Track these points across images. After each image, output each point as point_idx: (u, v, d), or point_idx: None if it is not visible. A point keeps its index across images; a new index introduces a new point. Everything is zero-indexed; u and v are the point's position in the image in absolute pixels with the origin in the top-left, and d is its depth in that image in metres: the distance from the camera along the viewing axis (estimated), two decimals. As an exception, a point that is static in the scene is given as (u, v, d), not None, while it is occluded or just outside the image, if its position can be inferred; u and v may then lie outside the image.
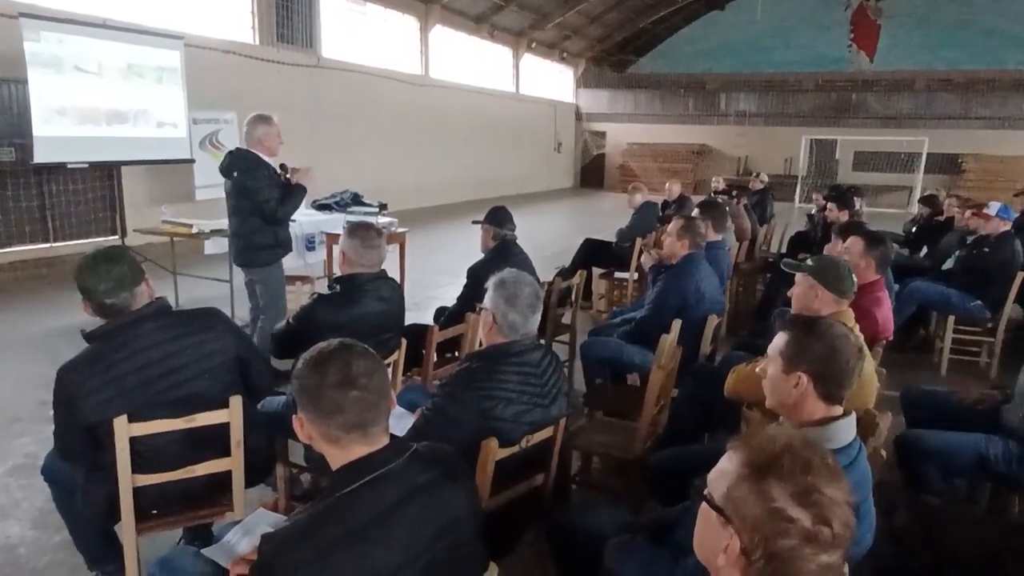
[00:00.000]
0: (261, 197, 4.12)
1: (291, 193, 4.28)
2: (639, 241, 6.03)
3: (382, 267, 3.01)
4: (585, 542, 1.92)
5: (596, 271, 6.49)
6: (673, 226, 3.85)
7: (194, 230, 5.75)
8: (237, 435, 2.23)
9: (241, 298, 5.67)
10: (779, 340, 1.71)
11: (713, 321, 3.57)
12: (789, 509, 0.98)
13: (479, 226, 4.15)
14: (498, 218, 4.06)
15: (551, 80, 23.09)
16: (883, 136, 20.50)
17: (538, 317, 2.14)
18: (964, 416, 2.87)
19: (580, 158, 25.20)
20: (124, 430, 2.04)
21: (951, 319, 5.31)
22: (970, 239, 5.84)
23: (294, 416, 1.37)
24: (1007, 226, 5.42)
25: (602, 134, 24.81)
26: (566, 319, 4.76)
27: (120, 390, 2.04)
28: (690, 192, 16.47)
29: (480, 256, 4.08)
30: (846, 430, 1.62)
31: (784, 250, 7.80)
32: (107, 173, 8.54)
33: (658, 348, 3.05)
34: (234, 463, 2.27)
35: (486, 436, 1.99)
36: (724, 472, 1.06)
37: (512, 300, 2.07)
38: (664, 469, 2.53)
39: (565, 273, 4.81)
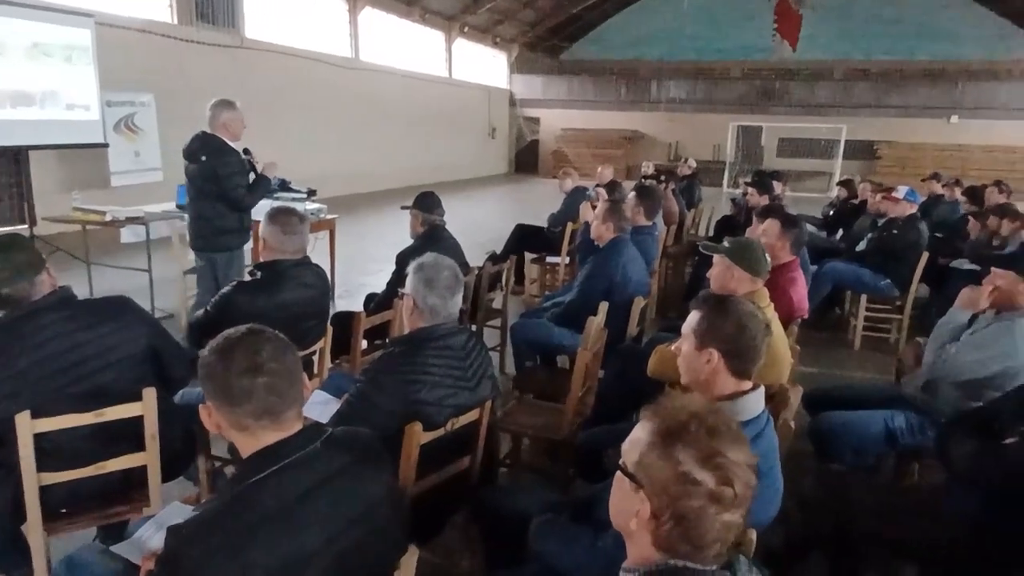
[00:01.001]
0: (231, 183, 4.12)
1: (259, 183, 4.33)
2: (570, 226, 6.09)
3: (307, 254, 2.94)
4: (512, 523, 1.94)
5: (528, 256, 6.53)
6: (599, 210, 3.90)
7: (108, 217, 5.48)
8: (151, 428, 2.15)
9: (162, 288, 5.47)
10: (692, 319, 1.76)
11: (639, 303, 3.64)
12: (695, 472, 1.04)
13: (408, 212, 4.11)
14: (427, 204, 4.02)
15: (485, 65, 22.99)
16: (805, 123, 21.28)
17: (459, 300, 2.14)
18: (866, 400, 3.01)
19: (515, 144, 25.24)
20: (27, 426, 1.95)
21: (863, 298, 5.59)
22: (881, 222, 6.14)
23: (201, 405, 1.33)
24: (913, 209, 5.72)
25: (536, 120, 24.88)
26: (497, 303, 4.78)
27: (21, 384, 1.94)
28: (622, 177, 16.76)
29: (409, 243, 4.04)
30: (755, 403, 1.69)
31: (711, 233, 8.02)
32: (12, 158, 8.04)
33: (585, 330, 3.10)
34: (149, 457, 2.19)
35: (410, 420, 1.98)
36: (636, 441, 1.11)
37: (431, 284, 2.07)
38: (590, 448, 2.57)
39: (496, 258, 4.82)
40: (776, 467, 1.72)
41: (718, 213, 8.87)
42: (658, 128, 23.64)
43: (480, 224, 10.80)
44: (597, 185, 6.31)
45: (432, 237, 3.90)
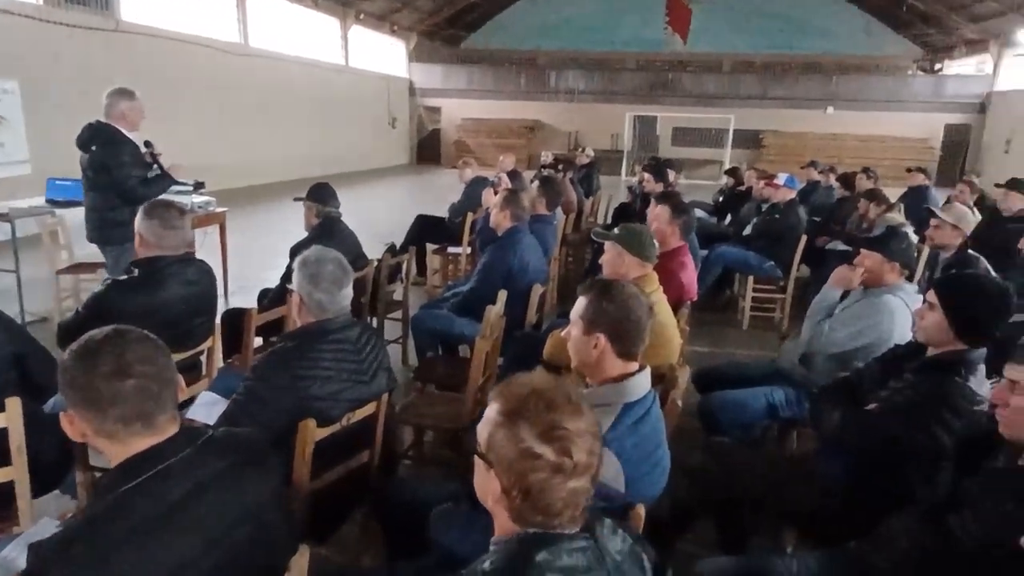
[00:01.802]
0: (122, 174, 3.97)
1: (160, 178, 4.19)
2: (470, 216, 6.09)
3: (194, 249, 2.80)
4: (413, 514, 1.93)
5: (430, 247, 6.49)
6: (497, 199, 3.92)
7: (-38, 215, 5.01)
8: (17, 440, 2.00)
9: (33, 290, 5.07)
10: (579, 305, 1.80)
11: (538, 290, 3.70)
12: (536, 447, 1.08)
13: (302, 204, 3.99)
14: (321, 195, 3.92)
15: (383, 53, 22.55)
16: (697, 113, 22.18)
17: (348, 292, 2.10)
18: (749, 378, 3.19)
19: (416, 134, 24.92)
20: None
21: (750, 279, 5.90)
22: (764, 207, 6.50)
23: (62, 413, 1.24)
24: (793, 194, 6.09)
25: (437, 110, 24.68)
26: (398, 295, 4.73)
27: None
28: (524, 167, 16.92)
29: (303, 235, 3.93)
30: (641, 384, 1.75)
31: (610, 221, 8.23)
32: None
33: (484, 319, 3.12)
34: (16, 472, 2.03)
35: (303, 417, 1.94)
36: (486, 421, 1.15)
37: (316, 279, 2.02)
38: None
39: (395, 250, 4.76)
40: (663, 444, 1.80)
41: (616, 201, 9.10)
42: (558, 118, 23.99)
43: (381, 216, 10.63)
44: (498, 174, 6.33)
45: (326, 229, 3.81)
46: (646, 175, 7.18)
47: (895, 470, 2.05)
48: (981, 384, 2.06)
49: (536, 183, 5.19)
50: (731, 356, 5.15)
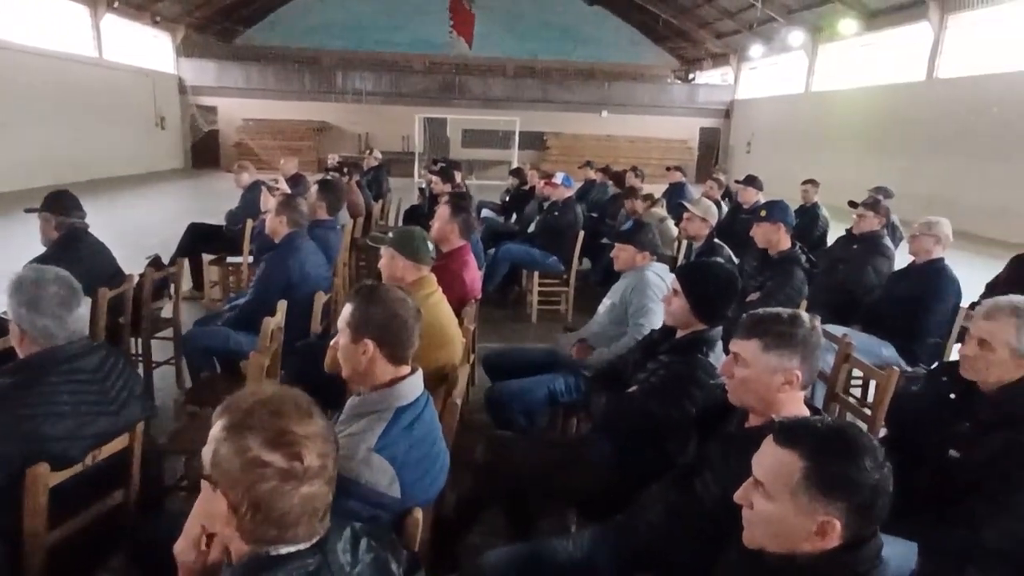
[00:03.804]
0: None
1: None
2: (250, 223, 5.73)
3: None
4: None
5: (207, 257, 6.01)
6: (272, 204, 3.73)
7: None
8: None
9: None
10: (345, 312, 1.75)
11: (321, 298, 3.56)
12: (264, 455, 1.05)
13: (36, 216, 3.49)
14: (60, 204, 3.46)
15: (145, 47, 20.48)
16: (484, 116, 22.88)
17: (82, 314, 1.86)
18: (533, 364, 3.35)
19: (189, 135, 22.93)
20: None
21: (536, 275, 6.18)
22: (546, 205, 6.86)
23: None
24: (570, 193, 6.49)
25: (213, 109, 22.95)
26: (167, 312, 4.32)
27: None
28: (314, 170, 16.33)
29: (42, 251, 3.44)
30: (413, 387, 1.74)
31: (401, 223, 8.19)
32: None
33: (261, 332, 2.94)
34: None
35: (35, 462, 1.68)
36: (210, 439, 1.10)
37: (35, 304, 1.77)
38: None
39: (159, 262, 4.33)
40: (438, 444, 1.80)
41: (407, 203, 9.09)
42: (347, 119, 23.47)
43: (148, 225, 9.69)
44: (274, 178, 6.02)
45: (69, 243, 3.38)
46: (433, 177, 7.24)
47: (656, 445, 2.24)
48: (720, 359, 2.32)
49: (314, 187, 5.00)
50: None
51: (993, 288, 4.22)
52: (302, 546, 1.09)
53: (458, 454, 2.99)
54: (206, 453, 1.10)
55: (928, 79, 15.45)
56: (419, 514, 1.61)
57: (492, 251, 6.60)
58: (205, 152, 22.84)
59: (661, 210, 6.55)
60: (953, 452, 1.95)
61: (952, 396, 2.07)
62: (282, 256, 3.56)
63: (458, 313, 3.26)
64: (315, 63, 24.62)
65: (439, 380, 2.62)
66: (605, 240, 6.78)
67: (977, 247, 10.45)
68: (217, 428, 1.10)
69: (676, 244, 6.16)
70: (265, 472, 1.04)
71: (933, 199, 13.02)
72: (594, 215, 7.91)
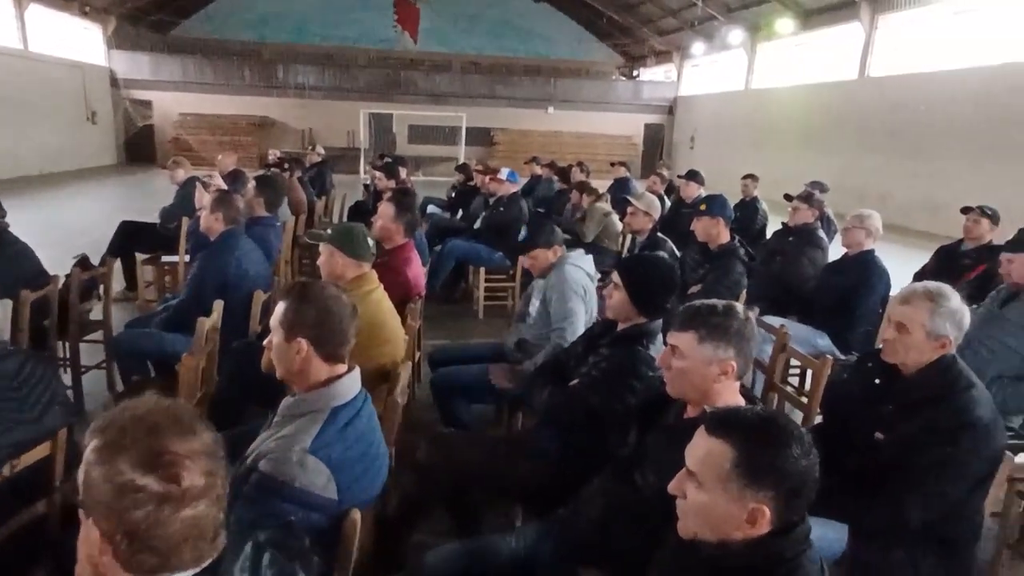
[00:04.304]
0: None
1: None
2: (186, 220, 5.54)
3: None
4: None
5: (140, 256, 5.80)
6: (207, 201, 3.61)
7: None
8: None
9: None
10: (278, 311, 1.71)
11: (260, 297, 3.47)
12: (137, 479, 0.96)
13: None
14: (-25, 202, 3.28)
15: (74, 38, 19.61)
16: (431, 112, 22.71)
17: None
18: (478, 359, 3.34)
19: (122, 130, 22.07)
20: None
21: (482, 271, 6.16)
22: (492, 200, 6.84)
23: None
24: (515, 188, 6.49)
25: (147, 103, 22.14)
26: (97, 314, 4.14)
27: None
28: (256, 166, 15.93)
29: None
30: (349, 386, 1.71)
31: (346, 219, 8.06)
32: None
33: (196, 333, 2.85)
34: None
35: (-55, 476, 1.59)
36: (83, 462, 1.00)
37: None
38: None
39: (86, 262, 4.15)
40: (377, 443, 1.77)
41: (352, 199, 8.95)
42: (290, 114, 22.98)
43: (77, 224, 9.31)
44: (208, 174, 5.84)
45: (-13, 244, 3.20)
46: (378, 173, 7.15)
47: (598, 438, 2.25)
48: (660, 352, 2.35)
49: (251, 183, 4.87)
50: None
51: (920, 278, 4.40)
52: (189, 572, 1.01)
53: (403, 453, 2.97)
54: (80, 477, 1.00)
55: (860, 78, 16.02)
56: (357, 515, 1.58)
57: (438, 248, 6.56)
58: (140, 148, 22.00)
59: (606, 204, 6.61)
60: (878, 435, 2.01)
61: (877, 381, 2.14)
62: (217, 254, 3.46)
63: (402, 310, 3.23)
64: (256, 56, 24.01)
65: (381, 378, 2.58)
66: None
67: (907, 239, 10.89)
68: (88, 450, 0.99)
69: (621, 239, 6.23)
70: (139, 497, 0.95)
71: (866, 193, 13.52)
72: (541, 210, 7.93)
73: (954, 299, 2.04)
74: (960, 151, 12.74)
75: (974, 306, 3.26)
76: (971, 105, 12.57)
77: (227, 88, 22.22)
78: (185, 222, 5.56)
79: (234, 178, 7.11)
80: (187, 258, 5.47)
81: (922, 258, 4.89)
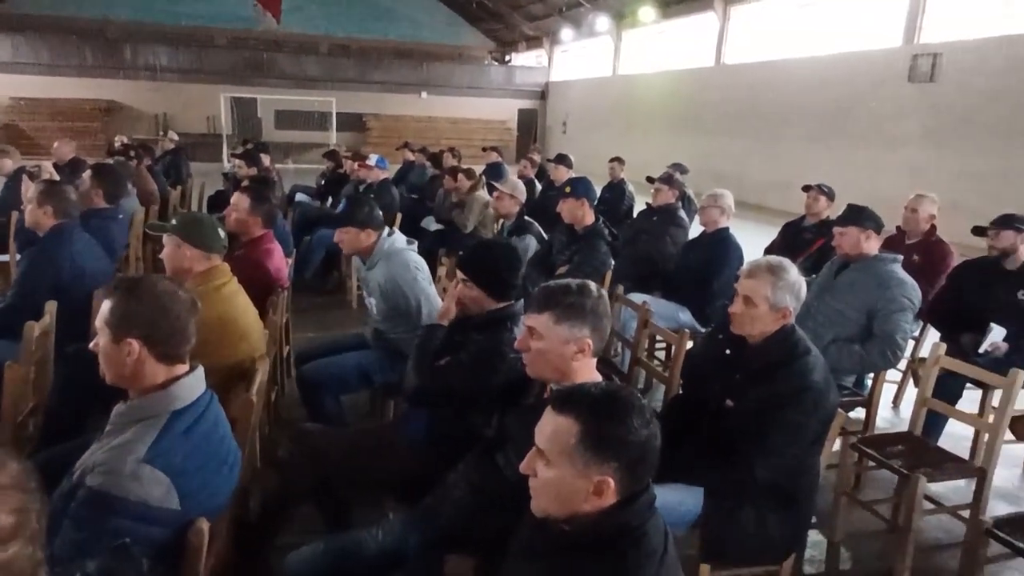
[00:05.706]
0: None
1: None
2: (15, 215, 5.00)
3: None
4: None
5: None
6: (32, 193, 3.27)
7: None
8: None
9: None
10: (103, 310, 1.55)
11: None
12: None
13: None
14: None
15: None
16: (298, 96, 21.80)
17: None
18: (344, 349, 3.24)
19: (-58, 117, 19.69)
20: None
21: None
22: (362, 188, 6.67)
23: None
24: (385, 175, 6.36)
25: (-29, 86, 19.86)
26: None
27: None
28: (102, 155, 14.65)
29: None
30: (192, 387, 1.58)
31: (205, 210, 7.58)
32: None
33: (24, 338, 2.58)
34: None
35: None
36: None
37: None
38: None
39: None
40: (226, 446, 1.67)
41: (211, 189, 8.42)
42: (142, 98, 21.34)
43: None
44: (37, 165, 5.31)
45: None
46: (238, 161, 6.78)
47: (464, 421, 2.24)
48: (524, 333, 2.37)
49: (88, 173, 4.47)
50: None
51: (769, 252, 4.72)
52: None
53: (268, 451, 2.84)
54: None
55: (716, 65, 16.95)
56: (204, 524, 1.48)
57: (308, 238, 6.33)
58: (-36, 136, 19.71)
59: (485, 194, 6.61)
60: (729, 402, 2.13)
61: (728, 352, 2.27)
62: (48, 250, 3.14)
63: (263, 304, 3.07)
64: (98, 35, 22.03)
65: (239, 376, 2.45)
66: (424, 223, 6.76)
67: (762, 216, 11.67)
68: None
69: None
70: None
71: (725, 174, 14.37)
72: (414, 196, 7.83)
73: (792, 271, 2.19)
74: (805, 134, 13.81)
75: (812, 276, 3.55)
76: (811, 92, 13.64)
77: (67, 69, 20.30)
78: (14, 217, 5.03)
79: (73, 167, 6.53)
80: (17, 257, 4.97)
81: (774, 234, 5.25)
